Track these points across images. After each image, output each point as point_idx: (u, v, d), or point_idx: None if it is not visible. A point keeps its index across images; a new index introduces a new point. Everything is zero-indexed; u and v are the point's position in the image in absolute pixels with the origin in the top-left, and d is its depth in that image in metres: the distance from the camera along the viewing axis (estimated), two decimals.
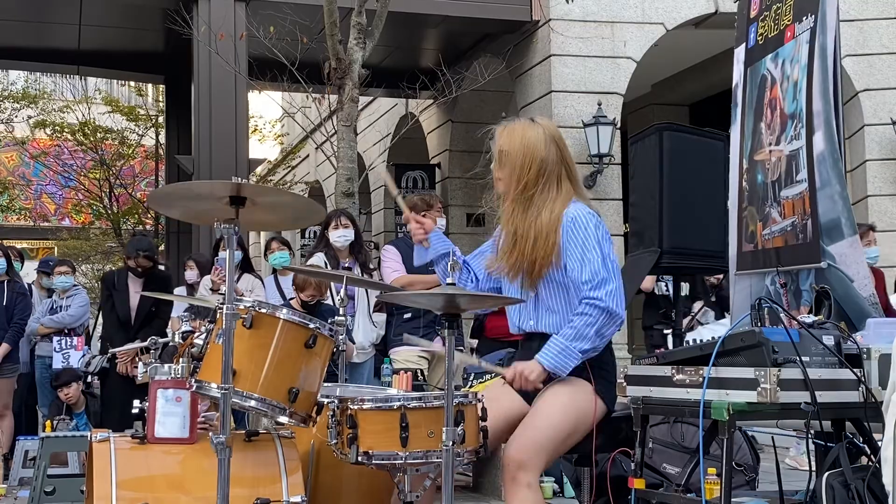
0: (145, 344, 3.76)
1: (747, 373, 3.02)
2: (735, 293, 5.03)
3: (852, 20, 11.10)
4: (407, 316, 6.40)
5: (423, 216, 6.43)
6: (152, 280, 7.53)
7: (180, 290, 7.80)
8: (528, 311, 3.51)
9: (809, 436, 3.13)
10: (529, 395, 3.43)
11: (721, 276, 8.11)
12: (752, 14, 5.00)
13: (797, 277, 4.48)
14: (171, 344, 3.79)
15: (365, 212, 15.15)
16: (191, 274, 7.63)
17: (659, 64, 12.63)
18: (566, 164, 3.50)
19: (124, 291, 7.36)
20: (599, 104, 11.26)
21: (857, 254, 4.25)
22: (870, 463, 3.17)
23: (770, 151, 4.72)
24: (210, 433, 3.11)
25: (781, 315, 3.19)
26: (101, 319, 8.14)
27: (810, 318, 3.30)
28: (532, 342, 3.54)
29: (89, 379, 7.92)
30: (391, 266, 6.42)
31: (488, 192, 3.61)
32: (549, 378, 3.37)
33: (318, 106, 10.39)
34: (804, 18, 4.50)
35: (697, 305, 8.39)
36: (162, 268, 7.88)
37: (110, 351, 7.03)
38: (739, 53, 5.10)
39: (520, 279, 3.46)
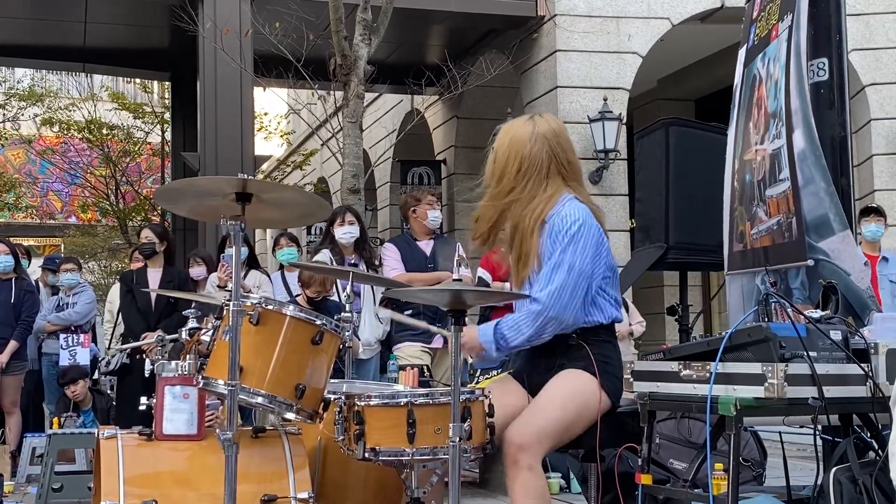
0: (170, 337, 3.78)
1: (754, 368, 3.02)
2: (729, 293, 5.05)
3: (858, 14, 11.08)
4: (408, 312, 6.41)
5: (415, 211, 6.50)
6: (170, 276, 7.53)
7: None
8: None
9: (817, 431, 3.13)
10: (536, 391, 3.43)
11: None
12: (754, 15, 5.00)
13: (786, 276, 4.48)
14: (178, 341, 3.80)
15: (371, 208, 15.15)
16: (199, 270, 7.63)
17: (664, 59, 12.61)
18: (559, 162, 3.47)
19: (143, 285, 7.35)
20: (605, 99, 11.25)
21: (850, 248, 4.25)
22: (877, 458, 3.16)
23: (756, 151, 4.72)
24: (217, 430, 3.12)
25: (788, 310, 3.19)
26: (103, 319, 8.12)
27: (818, 314, 3.29)
28: None
29: (105, 378, 7.91)
30: (391, 264, 6.44)
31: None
32: (554, 366, 3.39)
33: (323, 103, 10.39)
34: (785, 17, 4.50)
35: None
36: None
37: (129, 346, 7.00)
38: (741, 54, 5.10)
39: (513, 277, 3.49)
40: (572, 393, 3.35)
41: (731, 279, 5.00)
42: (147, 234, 7.66)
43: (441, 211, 6.68)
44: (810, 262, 4.24)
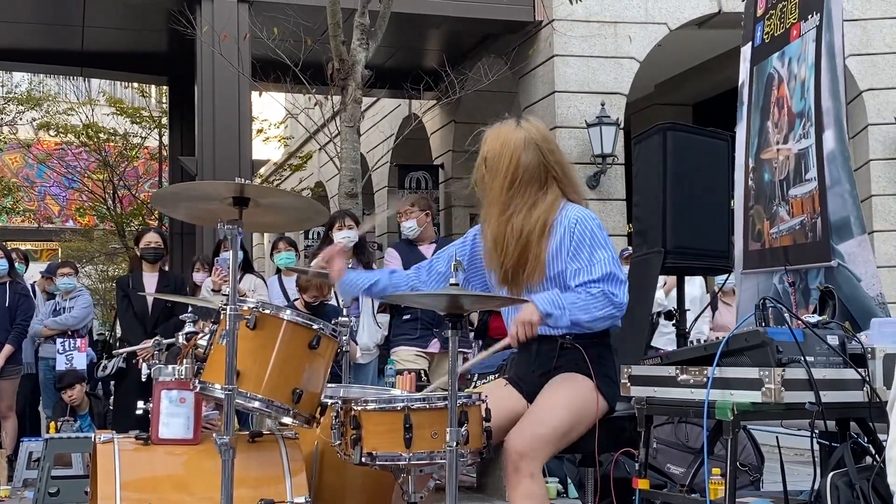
0: (167, 341, 3.77)
1: (752, 373, 3.02)
2: (741, 292, 5.03)
3: (856, 20, 11.09)
4: (406, 317, 6.42)
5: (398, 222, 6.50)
6: (166, 280, 7.53)
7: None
8: None
9: (814, 436, 3.13)
10: (532, 395, 3.43)
11: None
12: (759, 13, 4.99)
13: (806, 276, 4.47)
14: (175, 345, 3.80)
15: (368, 213, 15.14)
16: (203, 275, 7.62)
17: (662, 64, 12.62)
18: (552, 168, 3.48)
19: (140, 290, 7.34)
20: (603, 104, 11.25)
21: (865, 253, 4.25)
22: (874, 463, 3.16)
23: (777, 150, 4.71)
24: (214, 434, 3.11)
25: (786, 315, 3.19)
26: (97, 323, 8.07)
27: (815, 318, 3.29)
28: (530, 344, 3.54)
29: (100, 383, 7.88)
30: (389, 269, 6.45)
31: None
32: (549, 370, 3.39)
33: (321, 107, 10.39)
34: (809, 17, 4.49)
35: None
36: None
37: (125, 350, 6.98)
38: (746, 52, 5.09)
39: (506, 283, 3.47)
40: (570, 398, 3.35)
41: (744, 278, 4.99)
42: (156, 239, 7.60)
43: (422, 217, 6.63)
44: (834, 264, 4.24)
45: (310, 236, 16.64)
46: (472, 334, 7.19)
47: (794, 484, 3.66)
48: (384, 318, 6.64)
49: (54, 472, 6.34)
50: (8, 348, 7.69)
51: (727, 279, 9.62)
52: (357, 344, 6.26)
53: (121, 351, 7.24)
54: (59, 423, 7.41)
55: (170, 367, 3.41)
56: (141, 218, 19.38)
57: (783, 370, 2.97)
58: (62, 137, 20.17)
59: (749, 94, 5.00)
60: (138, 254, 7.62)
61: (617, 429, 3.50)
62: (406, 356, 6.41)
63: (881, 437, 3.18)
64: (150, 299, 7.27)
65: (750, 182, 4.94)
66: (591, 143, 11.22)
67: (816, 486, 3.16)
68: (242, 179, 3.11)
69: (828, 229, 4.27)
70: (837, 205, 4.26)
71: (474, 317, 7.12)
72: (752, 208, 4.91)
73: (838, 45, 4.33)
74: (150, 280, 7.43)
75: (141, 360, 6.83)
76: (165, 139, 17.91)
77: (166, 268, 7.79)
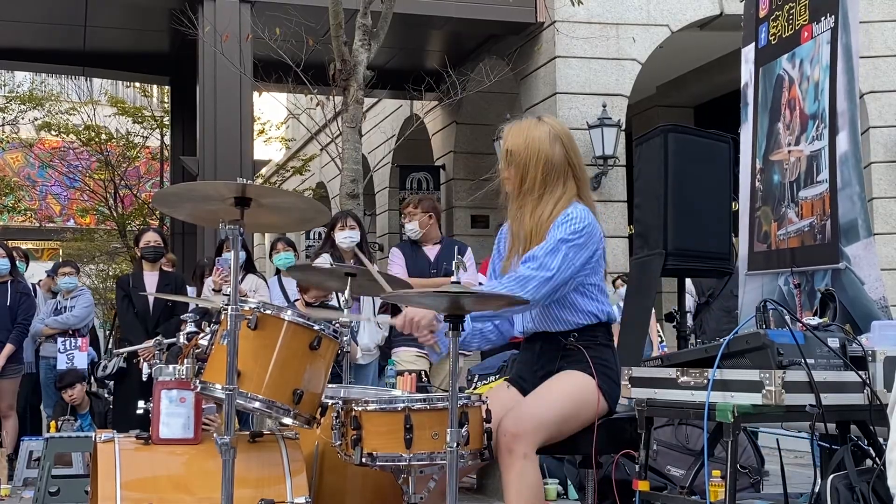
0: (168, 341, 3.77)
1: (752, 375, 3.01)
2: (745, 293, 5.02)
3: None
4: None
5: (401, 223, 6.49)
6: (167, 280, 7.53)
7: (190, 291, 7.79)
8: (527, 312, 3.51)
9: (814, 438, 3.13)
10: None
11: None
12: (762, 14, 4.98)
13: (812, 278, 4.46)
14: (175, 344, 3.79)
15: (369, 213, 15.15)
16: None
17: (664, 66, 12.63)
18: (572, 164, 3.47)
19: (141, 290, 7.34)
20: (604, 106, 11.26)
21: (870, 256, 4.25)
22: (874, 465, 3.16)
23: (789, 152, 4.70)
24: (214, 434, 3.11)
25: (787, 317, 3.19)
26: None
27: (815, 321, 3.29)
28: (533, 343, 3.54)
29: (102, 383, 7.87)
30: (394, 270, 6.46)
31: (490, 193, 3.64)
32: (552, 370, 3.38)
33: (323, 108, 10.39)
34: (822, 19, 4.48)
35: None
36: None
37: (126, 350, 6.98)
38: (748, 53, 5.07)
39: None
40: (570, 389, 3.35)
41: (748, 279, 4.98)
42: (155, 238, 7.61)
43: (424, 219, 6.63)
44: (842, 266, 4.24)
45: (311, 237, 16.64)
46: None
47: (795, 486, 3.66)
48: (385, 319, 6.64)
49: (55, 471, 6.34)
50: (9, 347, 7.70)
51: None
52: (357, 344, 6.26)
53: (121, 350, 7.24)
54: (59, 423, 7.42)
55: (170, 366, 3.41)
56: (142, 218, 19.38)
57: (784, 372, 2.97)
58: (63, 137, 20.16)
59: (754, 96, 4.98)
60: (138, 254, 7.63)
61: (617, 430, 3.50)
62: (406, 357, 6.41)
63: (881, 439, 3.18)
64: (151, 299, 7.27)
65: (757, 183, 4.93)
66: (593, 144, 11.22)
67: (817, 489, 3.16)
68: (244, 179, 3.11)
69: (837, 231, 4.27)
70: (847, 207, 4.26)
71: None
72: (758, 209, 4.90)
73: (855, 47, 4.32)
74: (150, 280, 7.43)
75: (142, 360, 6.83)
76: (167, 139, 17.91)
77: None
